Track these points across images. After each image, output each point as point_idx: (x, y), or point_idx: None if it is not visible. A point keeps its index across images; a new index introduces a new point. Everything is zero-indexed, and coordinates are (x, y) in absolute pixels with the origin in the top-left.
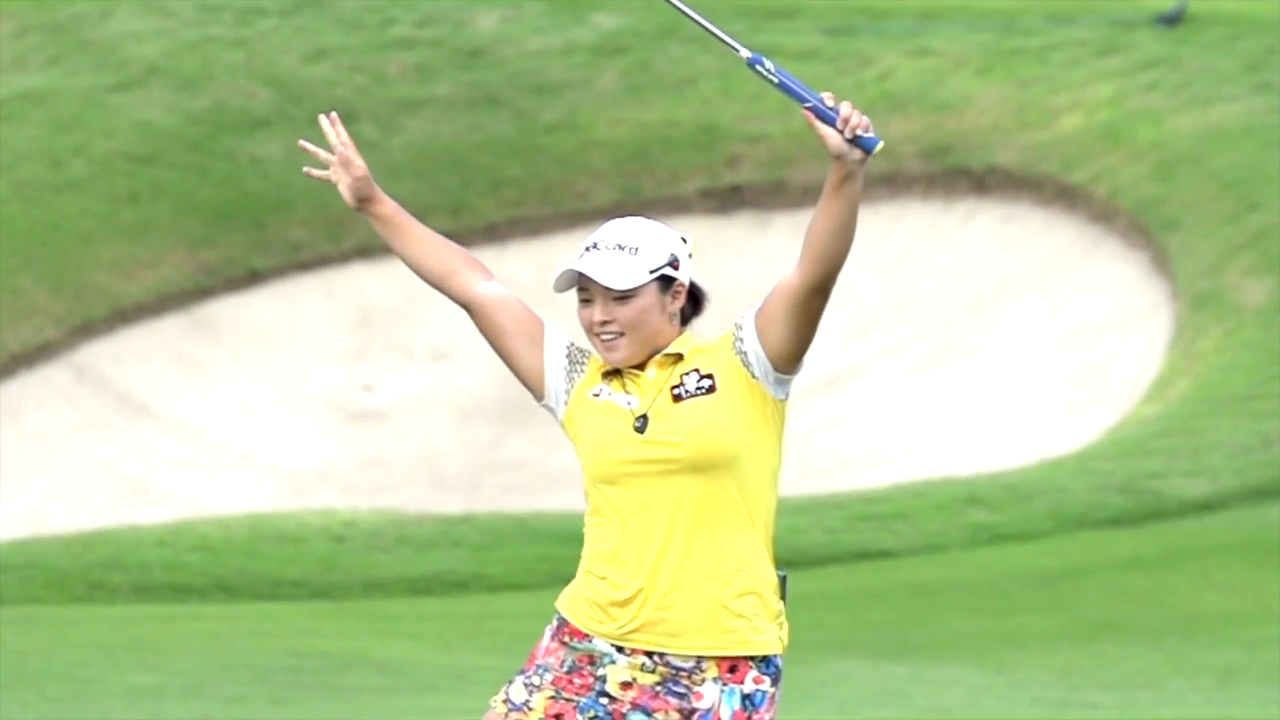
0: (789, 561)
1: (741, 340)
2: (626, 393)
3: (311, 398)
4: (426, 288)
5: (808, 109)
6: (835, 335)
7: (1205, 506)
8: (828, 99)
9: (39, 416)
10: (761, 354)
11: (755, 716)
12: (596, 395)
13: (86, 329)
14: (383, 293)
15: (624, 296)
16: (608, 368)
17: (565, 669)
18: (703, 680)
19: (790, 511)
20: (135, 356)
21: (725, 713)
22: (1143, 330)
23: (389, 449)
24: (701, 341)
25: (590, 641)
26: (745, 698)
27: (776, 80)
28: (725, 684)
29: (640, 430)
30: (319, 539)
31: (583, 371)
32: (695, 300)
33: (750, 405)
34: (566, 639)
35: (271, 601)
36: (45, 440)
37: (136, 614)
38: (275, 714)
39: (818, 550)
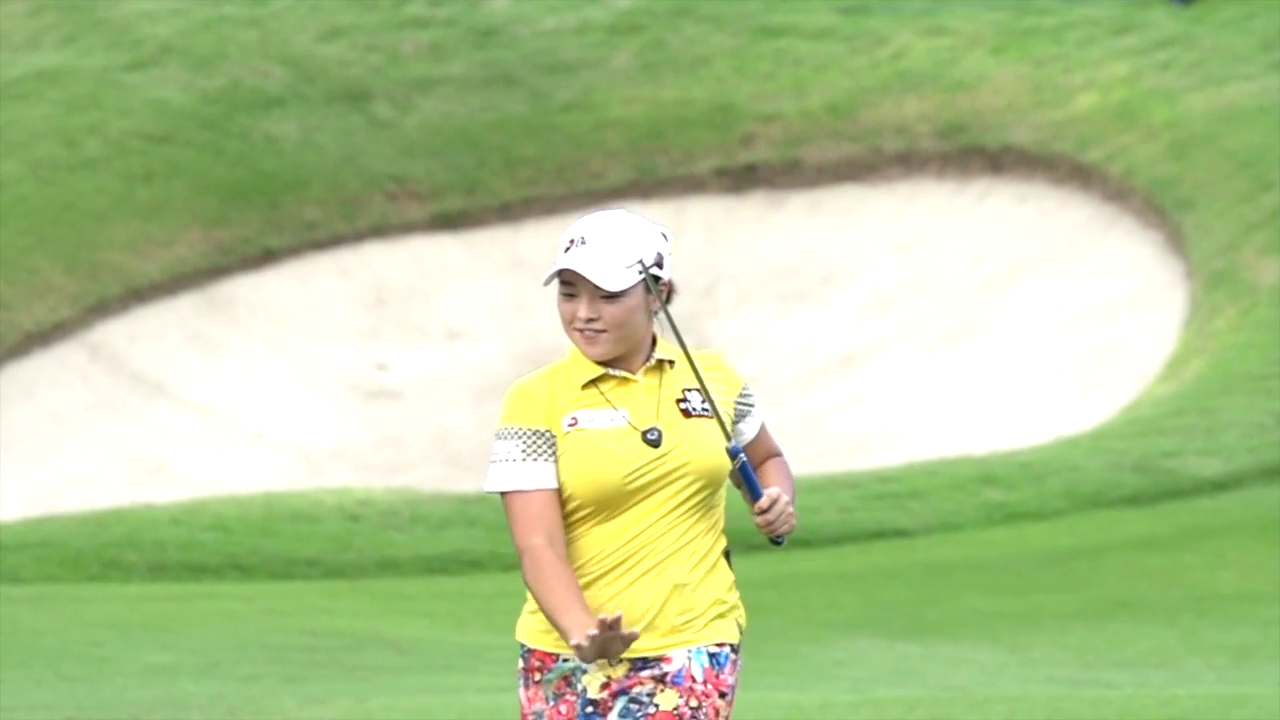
0: (803, 541)
1: (741, 408)
2: (613, 408)
3: (326, 377)
4: (442, 267)
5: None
6: (850, 314)
7: (1220, 485)
8: (764, 502)
9: (53, 395)
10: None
11: (721, 675)
12: (573, 424)
13: (101, 308)
14: (397, 272)
15: (612, 295)
16: (584, 379)
17: (553, 703)
18: (668, 647)
19: (805, 490)
20: (150, 335)
21: (697, 671)
22: (1157, 309)
23: (404, 428)
24: (690, 352)
25: (558, 662)
26: (711, 657)
27: (738, 465)
28: (690, 647)
29: (655, 443)
30: (334, 518)
31: (546, 425)
32: (668, 295)
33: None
34: (538, 676)
35: (286, 580)
36: (60, 419)
37: (151, 593)
38: (290, 692)
39: (832, 529)
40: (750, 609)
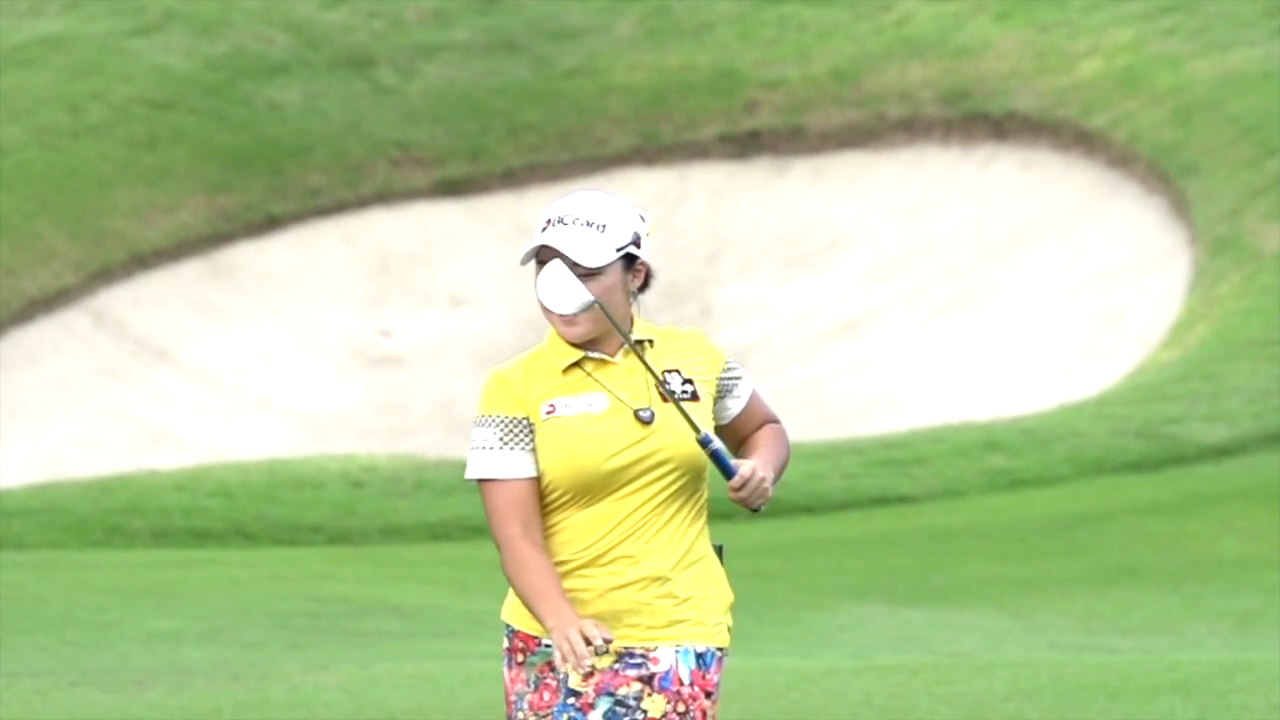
0: (807, 508)
1: (728, 382)
2: (596, 390)
3: (330, 343)
4: (445, 233)
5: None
6: (853, 281)
7: (1223, 451)
8: (735, 481)
9: (58, 362)
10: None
11: (708, 676)
12: (550, 412)
13: (105, 274)
14: (401, 239)
15: (590, 274)
16: (563, 364)
17: (534, 687)
18: (656, 646)
19: (809, 457)
20: (154, 302)
21: (684, 673)
22: (1161, 275)
23: (407, 394)
24: (663, 329)
25: (543, 646)
26: (698, 657)
27: (709, 453)
28: (679, 646)
29: (648, 421)
30: (337, 484)
31: (523, 412)
32: (645, 279)
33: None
34: (521, 658)
35: (290, 547)
36: (64, 385)
37: (155, 559)
38: (294, 658)
39: (836, 495)
40: (754, 575)
